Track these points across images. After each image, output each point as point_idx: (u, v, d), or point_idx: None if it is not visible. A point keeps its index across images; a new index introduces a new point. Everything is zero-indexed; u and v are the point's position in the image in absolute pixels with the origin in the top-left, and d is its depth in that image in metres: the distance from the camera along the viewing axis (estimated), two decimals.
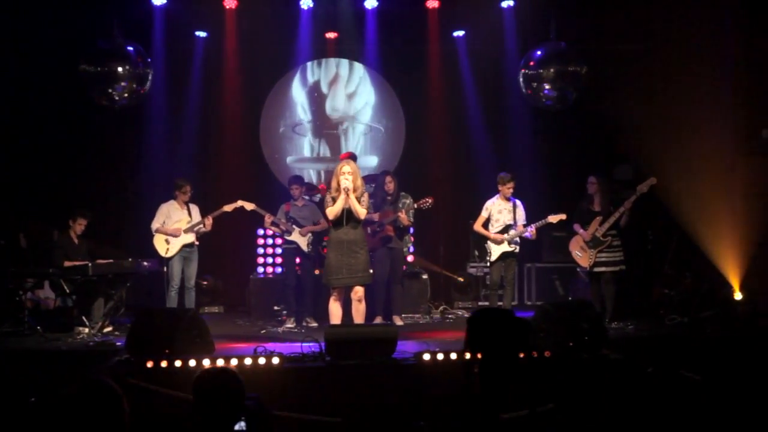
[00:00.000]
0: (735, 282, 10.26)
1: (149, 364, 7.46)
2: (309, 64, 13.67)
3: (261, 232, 12.58)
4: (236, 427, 4.20)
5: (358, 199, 8.68)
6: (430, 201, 10.40)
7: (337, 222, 8.69)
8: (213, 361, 7.57)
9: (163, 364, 7.47)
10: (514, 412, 6.05)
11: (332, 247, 8.75)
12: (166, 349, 7.71)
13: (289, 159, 13.68)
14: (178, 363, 7.50)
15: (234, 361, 7.55)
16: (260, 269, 12.54)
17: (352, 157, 12.66)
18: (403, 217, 10.62)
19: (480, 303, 12.36)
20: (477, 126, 13.08)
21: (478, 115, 13.07)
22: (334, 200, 8.69)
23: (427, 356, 7.73)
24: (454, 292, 12.70)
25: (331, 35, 13.08)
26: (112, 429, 3.71)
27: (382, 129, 13.88)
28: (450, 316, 11.84)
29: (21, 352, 8.84)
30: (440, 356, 7.75)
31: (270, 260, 12.61)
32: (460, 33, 13.10)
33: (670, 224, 11.60)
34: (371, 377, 7.53)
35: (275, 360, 7.61)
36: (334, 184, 8.73)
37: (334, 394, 7.37)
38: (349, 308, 9.02)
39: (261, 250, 12.63)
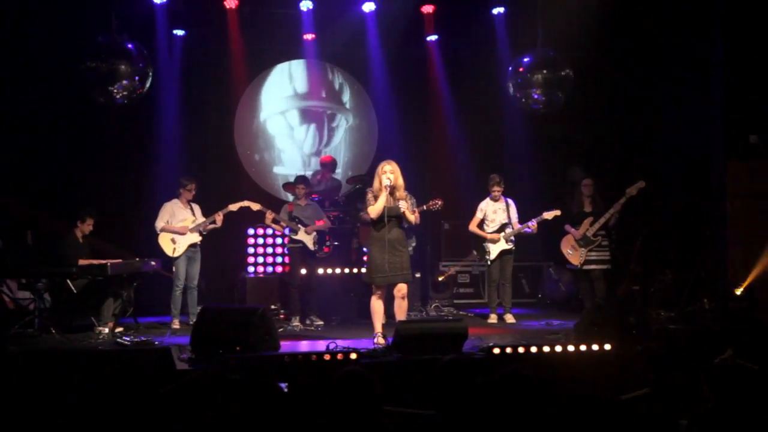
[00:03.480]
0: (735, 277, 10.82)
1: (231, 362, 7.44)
2: (286, 64, 13.75)
3: (251, 231, 12.52)
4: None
5: (403, 199, 8.78)
6: (439, 203, 10.48)
7: (379, 220, 8.74)
8: (291, 357, 7.63)
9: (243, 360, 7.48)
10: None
11: (375, 245, 8.78)
12: (238, 346, 7.72)
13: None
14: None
15: (313, 357, 7.63)
16: (250, 269, 12.44)
17: (333, 161, 12.87)
18: (417, 217, 10.77)
19: (455, 301, 12.69)
20: (460, 128, 13.40)
21: (462, 118, 13.40)
22: (376, 198, 8.75)
23: (496, 351, 7.99)
24: (431, 291, 12.95)
25: (308, 36, 13.12)
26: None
27: (356, 129, 14.09)
28: (443, 313, 12.06)
29: (54, 352, 8.57)
30: (508, 350, 8.03)
31: (261, 260, 12.54)
32: (432, 38, 13.39)
33: (634, 224, 12.19)
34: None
35: (353, 356, 7.73)
36: (376, 184, 8.81)
37: (410, 388, 7.51)
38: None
39: (251, 250, 12.54)
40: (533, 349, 8.08)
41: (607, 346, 8.12)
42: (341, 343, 8.21)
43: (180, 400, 6.82)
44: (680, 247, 11.95)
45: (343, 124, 14.16)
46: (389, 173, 8.75)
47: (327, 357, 7.70)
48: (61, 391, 7.68)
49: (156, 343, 8.87)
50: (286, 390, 4.27)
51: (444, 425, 4.44)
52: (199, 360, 7.62)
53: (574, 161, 13.13)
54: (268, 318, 8.21)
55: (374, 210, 8.71)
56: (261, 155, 13.83)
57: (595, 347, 8.12)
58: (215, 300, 12.10)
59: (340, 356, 7.71)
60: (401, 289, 8.83)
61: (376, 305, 8.87)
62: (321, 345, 8.28)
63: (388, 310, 9.21)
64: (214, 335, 7.85)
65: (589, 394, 4.00)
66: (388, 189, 8.70)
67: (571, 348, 8.12)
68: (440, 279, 12.78)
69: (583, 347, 8.15)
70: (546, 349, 8.09)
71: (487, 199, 11.18)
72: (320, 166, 13.21)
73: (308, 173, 12.84)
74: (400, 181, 8.82)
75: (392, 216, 8.77)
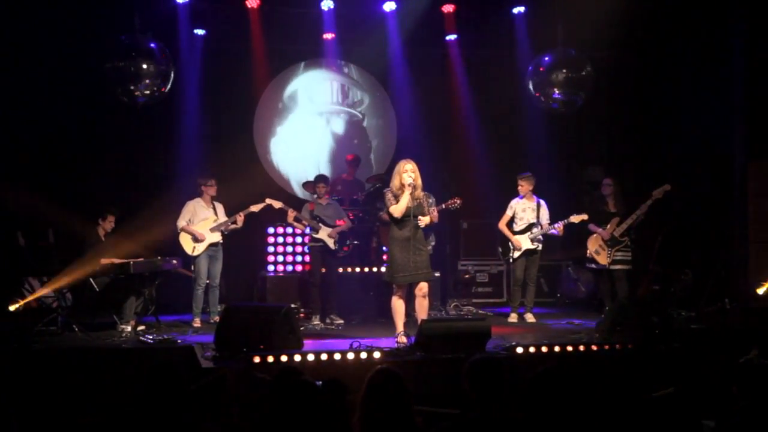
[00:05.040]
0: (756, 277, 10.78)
1: (256, 360, 7.48)
2: (304, 62, 13.83)
3: (271, 230, 12.55)
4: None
5: (420, 199, 8.77)
6: (458, 202, 10.43)
7: (401, 219, 8.68)
8: (317, 355, 7.67)
9: (270, 359, 7.51)
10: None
11: (397, 244, 8.70)
12: (262, 344, 7.76)
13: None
14: (284, 357, 7.57)
15: (337, 356, 7.66)
16: (270, 267, 12.47)
17: (357, 159, 12.87)
18: (435, 215, 10.76)
19: (474, 300, 12.70)
20: (480, 128, 13.41)
21: (483, 118, 13.41)
22: (396, 198, 8.68)
23: (519, 349, 8.00)
24: (451, 290, 12.96)
25: (328, 36, 13.15)
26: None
27: (375, 128, 14.13)
28: (462, 312, 12.06)
29: (78, 350, 8.60)
30: (532, 349, 8.05)
31: (281, 258, 12.57)
32: (451, 37, 13.40)
33: (655, 223, 12.17)
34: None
35: (376, 354, 7.77)
36: (396, 182, 8.71)
37: (434, 387, 7.52)
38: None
39: (271, 249, 12.57)
40: (556, 348, 8.08)
41: (630, 346, 8.12)
42: (363, 342, 8.24)
43: (207, 397, 6.87)
44: (701, 247, 11.88)
45: (363, 124, 14.17)
46: (410, 172, 8.67)
47: (351, 356, 7.71)
48: (86, 388, 7.76)
49: (179, 341, 8.92)
50: (320, 386, 4.27)
51: (474, 424, 4.45)
52: (224, 358, 7.65)
53: (593, 161, 13.13)
54: (292, 317, 8.24)
55: (397, 209, 8.61)
56: (280, 155, 13.85)
57: (618, 347, 8.11)
58: (235, 298, 12.14)
59: (364, 355, 7.74)
60: (423, 287, 8.77)
61: (398, 304, 8.80)
62: (344, 344, 8.31)
63: (406, 309, 9.20)
64: (238, 334, 7.89)
65: (620, 392, 4.02)
66: (412, 188, 8.64)
67: (594, 347, 8.11)
68: (466, 277, 12.78)
69: (606, 347, 8.14)
70: (569, 348, 8.08)
71: (519, 197, 11.17)
72: (345, 163, 13.21)
73: (328, 173, 12.88)
74: (419, 181, 8.78)
75: (415, 215, 8.72)
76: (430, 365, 7.77)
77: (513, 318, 11.13)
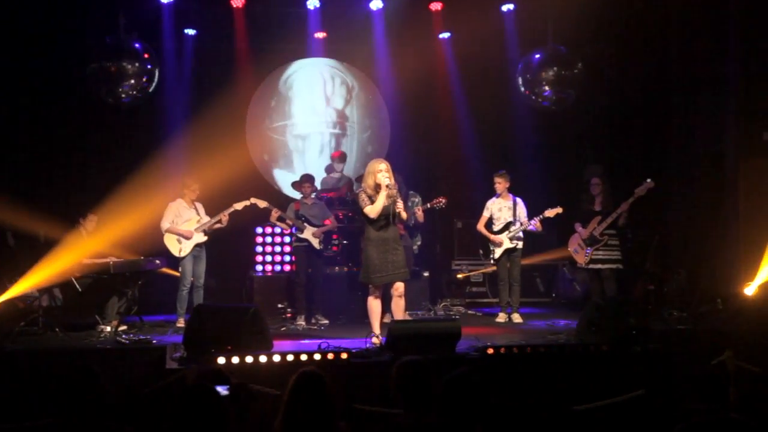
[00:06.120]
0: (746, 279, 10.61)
1: (221, 361, 7.42)
2: (296, 62, 13.76)
3: (259, 230, 12.52)
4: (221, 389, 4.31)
5: (393, 197, 8.66)
6: (443, 201, 10.44)
7: (378, 220, 8.56)
8: (282, 356, 7.61)
9: (235, 360, 7.45)
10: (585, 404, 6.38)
11: (374, 245, 8.57)
12: (229, 345, 7.71)
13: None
14: (249, 359, 7.50)
15: (303, 357, 7.60)
16: (258, 267, 12.43)
17: (343, 156, 12.80)
18: (420, 215, 10.70)
19: (468, 300, 12.62)
20: (470, 126, 13.30)
21: (472, 116, 13.29)
22: (370, 198, 8.56)
23: (490, 351, 7.91)
24: (445, 290, 12.89)
25: (320, 35, 13.10)
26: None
27: (367, 128, 14.04)
28: (451, 312, 11.98)
29: (51, 351, 8.57)
30: (503, 350, 7.95)
31: (269, 258, 12.54)
32: (445, 35, 13.30)
33: (651, 223, 12.04)
34: (438, 373, 7.63)
35: (344, 355, 7.70)
36: (370, 182, 8.60)
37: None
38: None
39: (259, 249, 12.53)
40: (528, 349, 7.98)
41: (604, 347, 8.00)
42: (337, 343, 8.20)
43: (166, 399, 6.82)
44: (695, 247, 11.73)
45: (354, 123, 14.09)
46: (385, 171, 8.59)
47: (317, 357, 7.65)
48: (52, 389, 7.72)
49: (154, 342, 8.89)
50: (225, 393, 4.18)
51: (394, 427, 4.39)
52: (190, 359, 7.61)
53: (590, 159, 13.00)
54: (261, 317, 8.16)
55: (374, 210, 8.48)
56: (271, 155, 13.82)
57: (591, 348, 8.00)
58: (226, 299, 12.14)
59: (330, 356, 7.68)
60: (399, 287, 8.67)
61: (374, 305, 8.71)
62: (315, 345, 8.23)
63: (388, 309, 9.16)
64: (207, 334, 7.83)
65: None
66: (389, 188, 8.52)
67: (566, 348, 8.01)
68: (459, 277, 12.71)
69: (579, 348, 8.04)
70: (541, 349, 7.99)
71: (494, 197, 11.09)
72: (331, 160, 13.13)
73: (321, 173, 12.83)
74: (393, 180, 8.69)
75: (389, 214, 8.63)
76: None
77: (501, 318, 11.03)
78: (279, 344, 8.70)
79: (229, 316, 8.02)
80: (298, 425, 4.23)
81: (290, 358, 7.62)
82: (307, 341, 9.16)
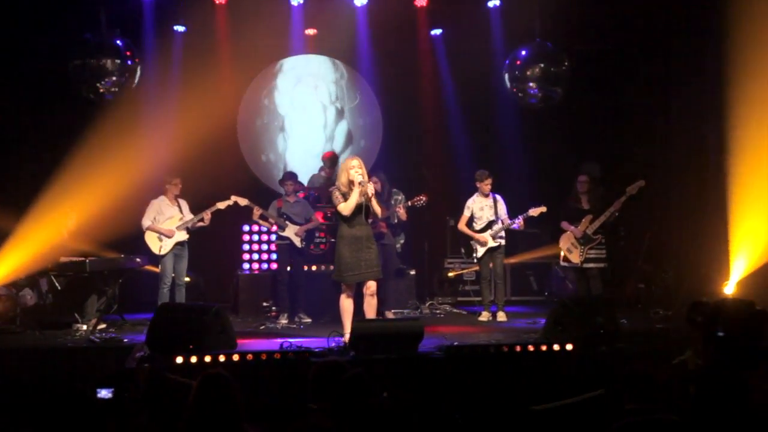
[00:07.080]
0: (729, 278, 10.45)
1: (179, 360, 7.39)
2: (287, 60, 13.72)
3: (246, 228, 12.52)
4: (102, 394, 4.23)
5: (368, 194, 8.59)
6: (424, 199, 10.36)
7: (351, 217, 8.50)
8: (242, 356, 7.58)
9: (193, 359, 7.43)
10: (543, 404, 6.30)
11: (346, 243, 8.51)
12: (191, 344, 7.68)
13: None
14: (207, 358, 7.46)
15: (263, 357, 7.57)
16: (245, 266, 12.42)
17: (334, 156, 12.74)
18: (402, 213, 10.62)
19: (460, 299, 12.55)
20: (459, 123, 13.22)
21: (460, 113, 13.22)
22: (344, 196, 8.49)
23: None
24: (435, 288, 12.83)
25: (310, 32, 13.04)
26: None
27: (359, 126, 13.99)
28: (437, 311, 11.92)
29: (29, 350, 8.61)
30: (465, 350, 7.89)
31: (256, 256, 12.53)
32: (437, 32, 13.20)
33: (643, 221, 11.91)
34: (399, 371, 7.59)
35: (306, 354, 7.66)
36: (343, 179, 8.54)
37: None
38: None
39: (246, 247, 12.53)
40: (492, 349, 7.90)
41: (569, 346, 7.90)
42: (305, 343, 8.21)
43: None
44: (683, 246, 11.59)
45: (346, 120, 14.03)
46: (358, 168, 8.53)
47: (278, 356, 7.61)
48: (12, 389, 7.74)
49: (125, 341, 8.90)
50: (110, 396, 4.14)
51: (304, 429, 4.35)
52: (150, 358, 7.60)
53: (584, 157, 12.87)
54: (224, 316, 8.16)
55: (347, 207, 8.40)
56: (264, 154, 13.81)
57: (556, 347, 7.90)
58: (214, 297, 12.08)
59: (291, 355, 7.64)
60: (371, 286, 8.62)
61: (346, 303, 8.64)
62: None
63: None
64: (169, 333, 7.82)
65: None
66: (361, 185, 8.46)
67: (531, 348, 7.92)
68: (450, 275, 12.64)
69: (543, 347, 7.95)
70: (505, 348, 7.89)
71: (474, 196, 11.02)
72: (322, 161, 13.08)
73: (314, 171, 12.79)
74: (366, 176, 8.63)
75: (366, 212, 8.58)
76: (361, 366, 7.60)
77: (484, 317, 10.95)
78: (250, 343, 8.72)
79: (192, 315, 7.99)
80: (202, 427, 4.20)
81: (249, 357, 7.57)
82: (278, 340, 9.10)
